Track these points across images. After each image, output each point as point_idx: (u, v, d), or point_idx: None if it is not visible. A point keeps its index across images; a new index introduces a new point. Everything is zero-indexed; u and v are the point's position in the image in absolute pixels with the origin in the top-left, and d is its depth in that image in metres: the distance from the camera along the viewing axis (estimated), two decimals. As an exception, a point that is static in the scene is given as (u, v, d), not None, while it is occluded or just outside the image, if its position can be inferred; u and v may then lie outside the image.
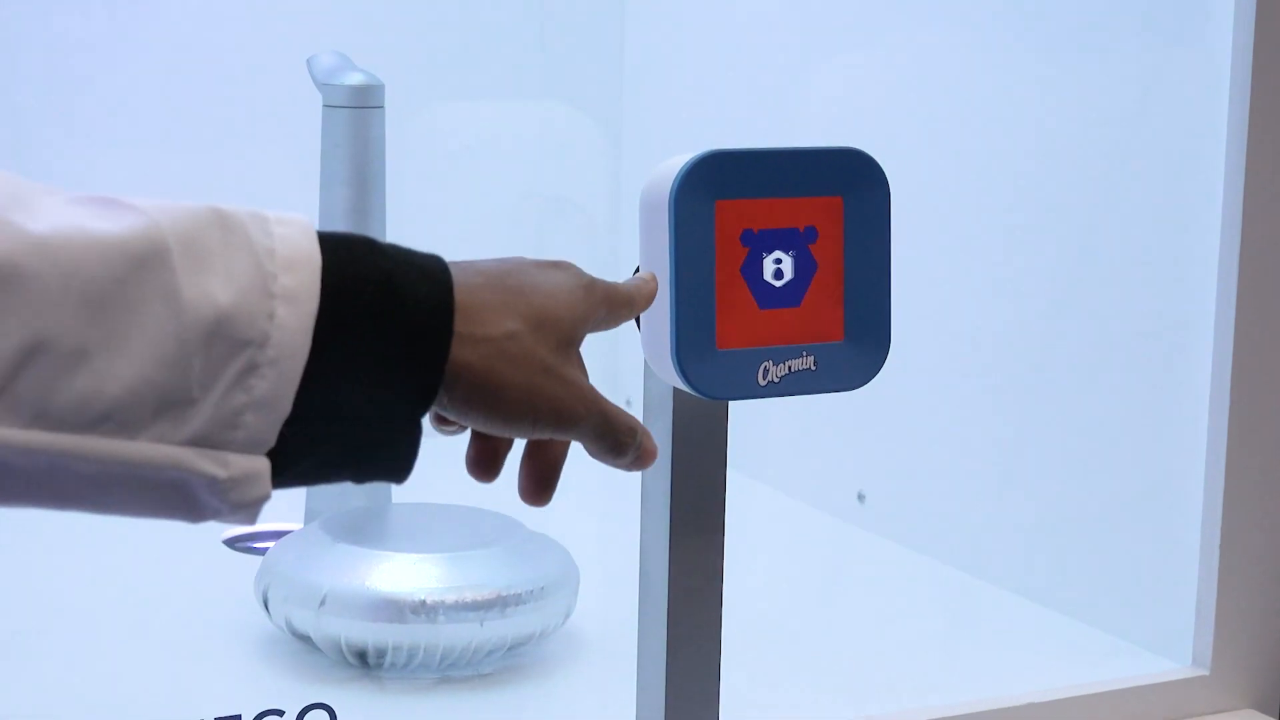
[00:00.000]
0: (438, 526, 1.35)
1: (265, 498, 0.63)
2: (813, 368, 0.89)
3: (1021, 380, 1.51)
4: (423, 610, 1.25)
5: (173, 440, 0.61)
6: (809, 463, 1.76)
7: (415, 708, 1.25)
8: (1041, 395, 1.49)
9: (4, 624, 1.36)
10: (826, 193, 0.89)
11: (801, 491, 1.76)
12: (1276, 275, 1.29)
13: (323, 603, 1.25)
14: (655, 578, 0.94)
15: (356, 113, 1.42)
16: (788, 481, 1.77)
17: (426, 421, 0.68)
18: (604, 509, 1.31)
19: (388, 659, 1.26)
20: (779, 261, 0.88)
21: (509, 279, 0.71)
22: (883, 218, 0.90)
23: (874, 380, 0.91)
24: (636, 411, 0.95)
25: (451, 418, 0.70)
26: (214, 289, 0.61)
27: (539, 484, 0.75)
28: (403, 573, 1.26)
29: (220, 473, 0.62)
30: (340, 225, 1.44)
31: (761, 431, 1.61)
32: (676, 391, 0.92)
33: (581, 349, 0.74)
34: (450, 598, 1.25)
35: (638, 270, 0.89)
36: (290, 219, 0.65)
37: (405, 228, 1.53)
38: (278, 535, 1.36)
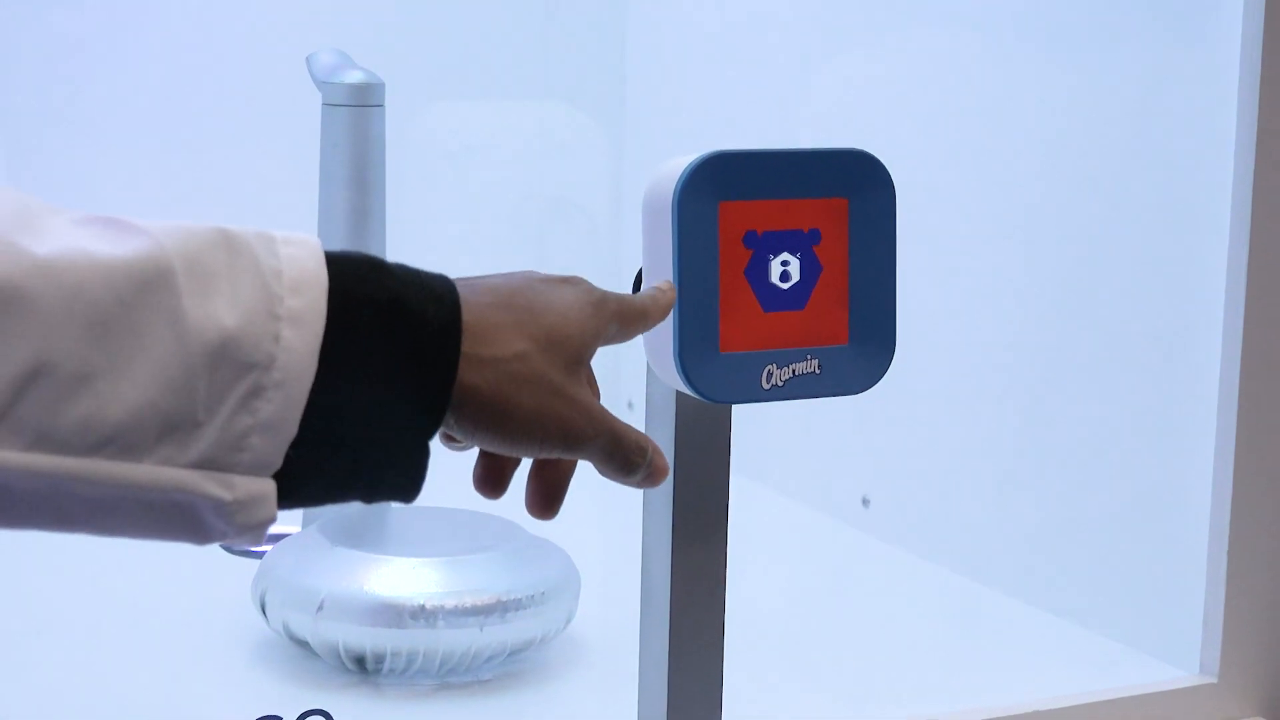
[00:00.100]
0: (437, 530, 1.34)
1: (271, 520, 0.64)
2: (817, 371, 0.89)
3: (1027, 384, 1.51)
4: (422, 615, 1.24)
5: (177, 463, 0.61)
6: (813, 467, 1.76)
7: (414, 714, 1.25)
8: (1048, 399, 1.49)
9: (-1, 628, 1.36)
10: (831, 194, 0.89)
11: (805, 496, 1.75)
12: (1286, 278, 1.28)
13: (321, 607, 1.25)
14: (657, 582, 0.94)
15: (356, 111, 1.42)
16: (791, 486, 1.76)
17: (434, 439, 0.69)
18: (605, 513, 1.30)
19: (386, 664, 1.25)
20: (784, 264, 0.88)
21: (517, 297, 0.71)
22: (888, 220, 0.91)
23: (879, 384, 0.91)
24: (639, 414, 0.95)
25: (459, 437, 0.70)
26: (219, 311, 0.61)
27: (546, 499, 0.76)
28: (402, 577, 1.26)
29: (226, 495, 0.62)
30: (340, 224, 1.43)
31: (765, 435, 1.60)
32: (679, 394, 0.91)
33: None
34: (450, 602, 1.24)
35: (640, 273, 0.88)
36: (298, 239, 0.65)
37: (405, 227, 1.52)
38: (275, 538, 1.35)
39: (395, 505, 1.46)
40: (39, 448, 0.59)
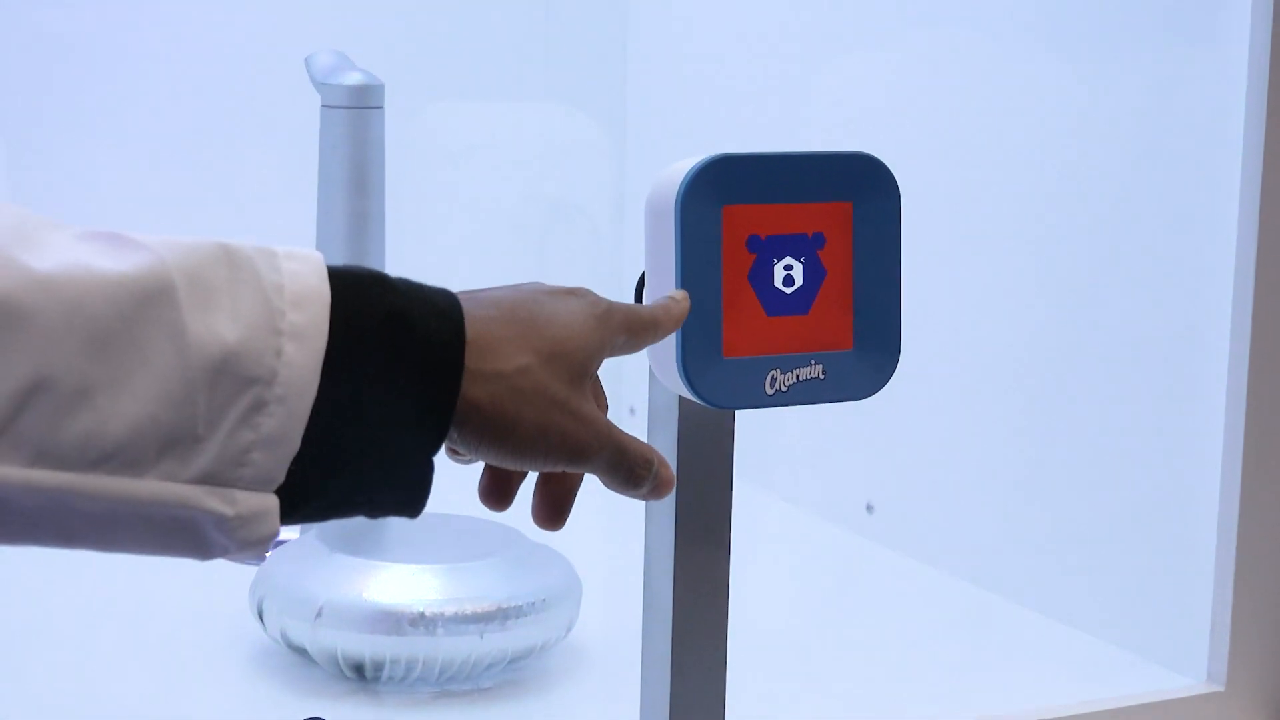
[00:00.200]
0: (437, 537, 1.34)
1: (274, 535, 0.64)
2: (821, 376, 0.89)
3: (1033, 390, 1.50)
4: (421, 622, 1.23)
5: (179, 478, 0.61)
6: (817, 473, 1.75)
7: (413, 722, 1.24)
8: (1054, 406, 1.48)
9: (-5, 634, 1.36)
10: (836, 198, 0.89)
11: (809, 502, 1.75)
12: (1295, 283, 1.28)
13: (319, 614, 1.24)
14: (660, 589, 0.94)
15: (355, 113, 1.42)
16: (795, 492, 1.76)
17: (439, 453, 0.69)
18: (607, 519, 1.29)
19: (385, 672, 1.25)
20: (788, 268, 0.87)
21: (520, 310, 0.71)
22: (893, 224, 0.90)
23: (884, 389, 0.91)
24: (641, 420, 0.94)
25: (463, 451, 0.70)
26: (220, 326, 0.61)
27: (553, 510, 0.76)
28: (401, 584, 1.25)
29: (228, 510, 0.62)
30: (339, 227, 1.43)
31: (769, 441, 1.60)
32: (682, 400, 0.91)
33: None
34: (449, 610, 1.24)
35: (642, 277, 0.88)
36: (300, 254, 0.65)
37: (405, 230, 1.52)
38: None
39: (395, 511, 1.47)
40: (40, 463, 0.59)
